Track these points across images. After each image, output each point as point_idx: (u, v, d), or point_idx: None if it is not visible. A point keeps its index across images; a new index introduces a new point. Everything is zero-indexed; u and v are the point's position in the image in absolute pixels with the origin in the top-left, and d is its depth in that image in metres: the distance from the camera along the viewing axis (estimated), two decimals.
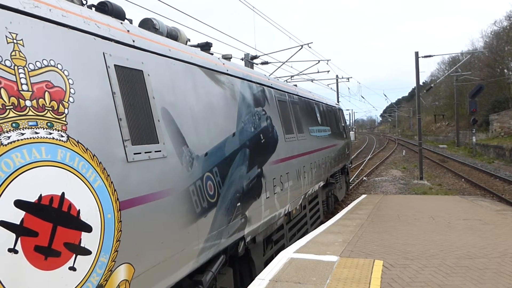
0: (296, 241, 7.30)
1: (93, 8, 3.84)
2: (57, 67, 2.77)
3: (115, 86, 3.29)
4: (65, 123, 2.73)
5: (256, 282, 4.99)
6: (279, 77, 18.31)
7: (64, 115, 2.74)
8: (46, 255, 2.47)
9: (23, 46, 2.57)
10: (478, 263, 5.71)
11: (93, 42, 3.20)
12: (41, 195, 2.47)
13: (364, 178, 22.58)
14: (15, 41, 2.52)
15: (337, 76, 36.82)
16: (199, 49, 5.75)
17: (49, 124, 2.62)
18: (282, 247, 7.43)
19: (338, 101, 33.20)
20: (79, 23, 3.10)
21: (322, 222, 10.46)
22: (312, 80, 24.03)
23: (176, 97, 4.19)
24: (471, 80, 42.94)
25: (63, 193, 2.61)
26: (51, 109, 2.65)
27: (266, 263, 6.49)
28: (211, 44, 6.25)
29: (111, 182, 3.01)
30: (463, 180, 20.47)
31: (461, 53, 50.84)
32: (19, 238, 2.32)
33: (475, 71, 45.89)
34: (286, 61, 16.68)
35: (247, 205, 5.51)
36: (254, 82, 6.64)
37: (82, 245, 2.71)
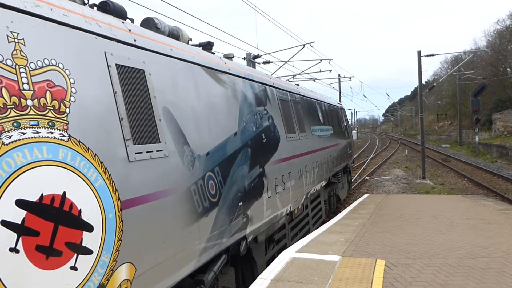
0: (298, 240, 7.28)
1: (95, 8, 3.84)
2: (58, 67, 2.77)
3: (117, 85, 3.29)
4: (67, 122, 2.73)
5: (258, 281, 4.98)
6: (281, 77, 18.29)
7: (66, 114, 2.74)
8: (47, 254, 2.47)
9: (24, 45, 2.56)
10: (481, 262, 5.68)
11: (94, 41, 3.19)
12: (42, 194, 2.47)
13: (366, 177, 22.53)
14: (16, 40, 2.52)
15: (339, 75, 36.80)
16: (200, 48, 5.75)
17: (50, 123, 2.61)
18: (284, 247, 7.42)
19: (340, 101, 33.18)
20: (80, 23, 3.10)
21: (324, 222, 10.44)
22: (314, 80, 24.04)
23: (178, 96, 4.19)
24: (474, 79, 42.81)
25: (64, 193, 2.61)
26: (52, 108, 2.65)
27: (268, 263, 6.48)
28: (213, 43, 6.25)
29: (113, 182, 3.01)
30: (465, 179, 20.41)
31: (464, 52, 50.78)
32: (20, 238, 2.32)
33: (478, 70, 45.77)
34: (288, 61, 16.67)
35: (249, 204, 5.50)
36: (256, 81, 6.63)
37: (83, 244, 2.71)
